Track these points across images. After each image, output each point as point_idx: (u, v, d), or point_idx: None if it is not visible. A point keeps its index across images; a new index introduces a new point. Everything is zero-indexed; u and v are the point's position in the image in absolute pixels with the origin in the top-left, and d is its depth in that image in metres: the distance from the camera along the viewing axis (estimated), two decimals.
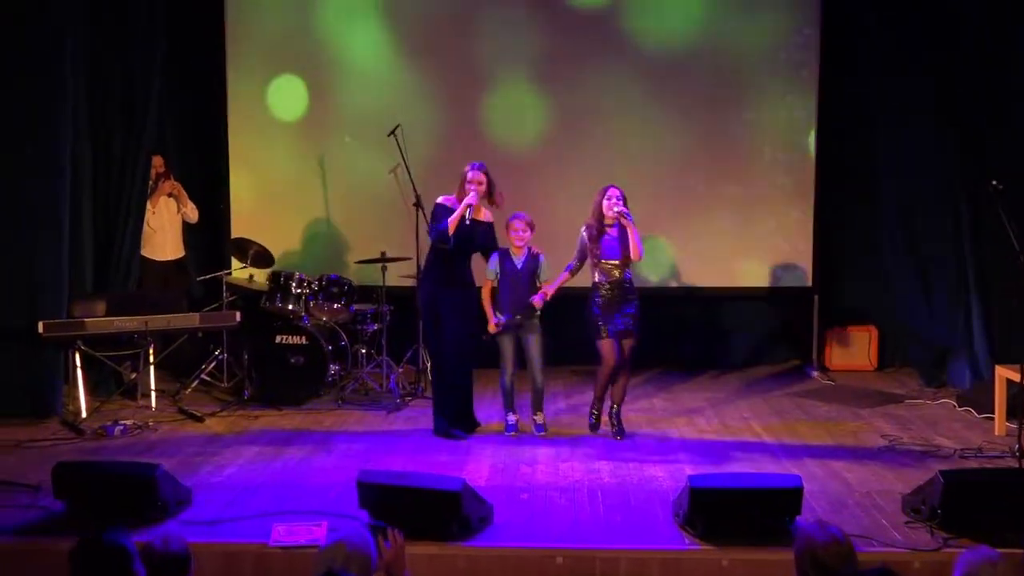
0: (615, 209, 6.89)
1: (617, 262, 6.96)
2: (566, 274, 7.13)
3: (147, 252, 8.77)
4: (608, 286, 6.97)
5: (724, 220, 9.44)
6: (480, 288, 7.20)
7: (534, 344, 7.10)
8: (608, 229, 6.96)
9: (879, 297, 9.55)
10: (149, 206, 8.65)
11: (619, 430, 7.11)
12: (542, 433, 7.11)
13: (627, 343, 7.04)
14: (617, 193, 6.97)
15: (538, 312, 7.09)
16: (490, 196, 7.03)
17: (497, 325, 7.04)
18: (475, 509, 5.25)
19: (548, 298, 7.06)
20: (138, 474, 5.35)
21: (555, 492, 5.95)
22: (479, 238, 7.09)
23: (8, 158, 7.48)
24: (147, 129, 8.46)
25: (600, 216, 6.96)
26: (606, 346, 6.98)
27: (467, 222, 6.92)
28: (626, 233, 6.91)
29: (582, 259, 7.07)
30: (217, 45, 9.32)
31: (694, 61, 9.34)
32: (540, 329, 7.14)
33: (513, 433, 7.10)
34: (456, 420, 7.15)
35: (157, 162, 8.75)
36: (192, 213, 8.97)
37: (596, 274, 7.00)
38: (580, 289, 9.23)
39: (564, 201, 9.35)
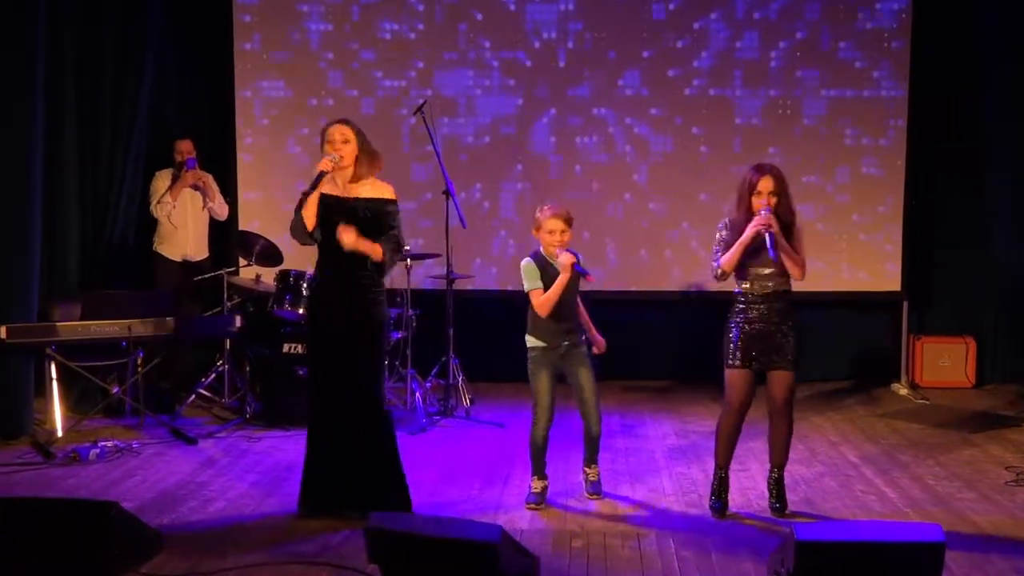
0: (762, 220, 4.94)
1: (773, 270, 5.07)
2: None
3: (163, 250, 7.81)
4: (754, 300, 5.10)
5: (799, 214, 8.18)
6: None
7: (586, 379, 5.29)
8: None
9: (979, 304, 8.44)
10: (169, 198, 7.66)
11: (781, 504, 5.21)
12: (594, 494, 5.41)
13: (781, 378, 5.11)
14: (770, 186, 5.01)
15: (585, 337, 5.37)
16: (368, 162, 5.07)
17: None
18: (515, 563, 4.13)
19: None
20: (88, 515, 4.24)
21: (615, 539, 4.81)
22: (374, 219, 5.03)
23: None
24: (139, 109, 7.64)
25: (748, 210, 5.05)
26: (736, 379, 5.09)
27: (309, 191, 4.92)
28: (790, 228, 5.08)
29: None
30: (224, 21, 8.32)
31: (763, 29, 8.15)
32: (591, 359, 5.36)
33: (534, 505, 5.25)
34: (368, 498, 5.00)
35: (184, 147, 7.74)
36: (220, 209, 7.94)
37: (740, 282, 5.15)
38: (623, 294, 8.19)
39: (621, 195, 8.27)
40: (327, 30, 8.25)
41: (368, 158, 5.05)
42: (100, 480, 5.72)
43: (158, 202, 7.67)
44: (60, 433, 6.57)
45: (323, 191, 4.98)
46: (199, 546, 4.64)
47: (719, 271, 5.06)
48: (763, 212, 4.96)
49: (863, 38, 8.11)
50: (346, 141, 4.99)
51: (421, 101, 7.38)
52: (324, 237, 4.99)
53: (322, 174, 4.94)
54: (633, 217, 8.31)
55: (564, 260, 5.15)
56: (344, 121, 5.05)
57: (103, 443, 6.29)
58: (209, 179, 7.83)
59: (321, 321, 5.06)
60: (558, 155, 8.31)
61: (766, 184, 5.00)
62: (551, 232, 5.20)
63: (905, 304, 8.40)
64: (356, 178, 5.04)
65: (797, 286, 5.28)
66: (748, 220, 5.01)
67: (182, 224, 7.78)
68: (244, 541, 4.71)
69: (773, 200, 4.99)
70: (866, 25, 8.09)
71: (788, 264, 5.04)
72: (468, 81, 8.26)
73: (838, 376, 8.54)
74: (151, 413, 6.97)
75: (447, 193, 7.16)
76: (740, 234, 5.00)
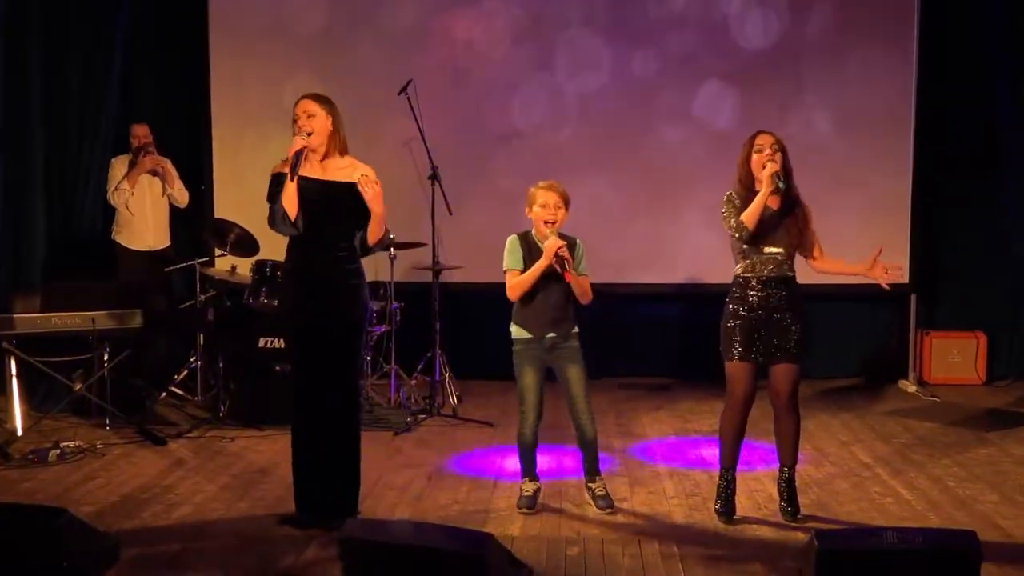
0: (765, 171, 4.57)
1: (778, 251, 4.70)
2: None
3: (123, 239, 7.40)
4: (760, 285, 4.69)
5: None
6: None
7: (576, 378, 4.82)
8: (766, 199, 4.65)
9: (991, 297, 8.03)
10: (127, 185, 7.26)
11: (793, 508, 4.81)
12: (609, 510, 4.84)
13: (784, 370, 4.73)
14: (770, 139, 4.65)
15: (576, 330, 4.88)
16: (341, 140, 4.67)
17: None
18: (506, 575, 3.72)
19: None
20: (35, 523, 3.85)
21: (615, 546, 4.43)
22: (352, 205, 4.61)
23: None
24: (109, 94, 7.41)
25: (749, 178, 4.69)
26: (737, 372, 4.70)
27: (292, 177, 4.50)
28: (794, 206, 4.72)
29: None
30: (199, 5, 7.92)
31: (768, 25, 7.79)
32: (582, 355, 4.89)
33: (526, 509, 4.84)
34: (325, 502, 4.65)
35: (140, 132, 7.34)
36: (180, 196, 7.53)
37: (741, 264, 4.75)
38: (620, 287, 7.79)
39: (615, 175, 7.88)
40: (307, 9, 7.85)
41: (340, 135, 4.64)
42: (59, 483, 5.32)
43: (115, 189, 7.27)
44: (20, 433, 6.16)
45: (300, 174, 4.59)
46: (159, 557, 4.25)
47: (740, 228, 4.59)
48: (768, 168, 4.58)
49: (869, 5, 7.75)
50: (311, 115, 4.57)
51: (407, 80, 7.02)
52: (304, 224, 4.55)
53: (299, 155, 4.51)
54: (631, 205, 7.92)
55: (549, 244, 4.71)
56: (310, 96, 4.64)
57: (64, 444, 5.89)
58: (168, 164, 7.41)
59: (306, 315, 4.61)
60: (554, 139, 7.89)
61: (765, 139, 4.65)
62: (543, 206, 4.75)
63: (913, 297, 8.02)
64: (328, 156, 4.62)
65: (799, 278, 4.91)
66: (751, 183, 4.65)
67: (140, 212, 7.37)
68: (208, 550, 4.33)
69: (778, 156, 4.63)
70: (873, 20, 7.73)
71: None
72: (455, 55, 7.87)
73: (843, 372, 8.14)
74: (118, 411, 6.55)
75: (433, 178, 6.78)
76: (747, 204, 4.60)
